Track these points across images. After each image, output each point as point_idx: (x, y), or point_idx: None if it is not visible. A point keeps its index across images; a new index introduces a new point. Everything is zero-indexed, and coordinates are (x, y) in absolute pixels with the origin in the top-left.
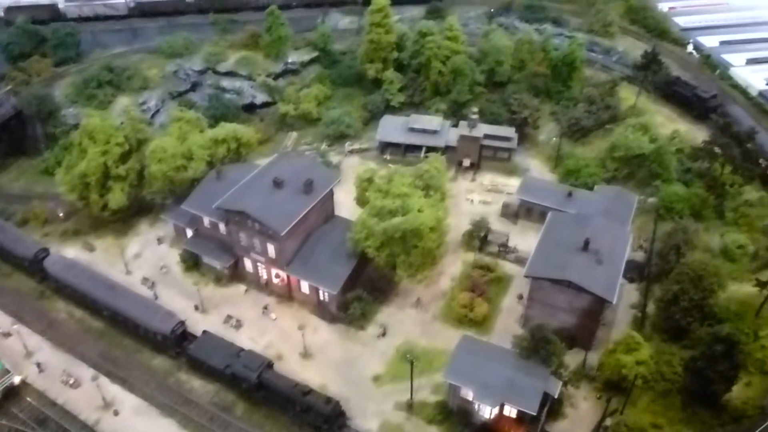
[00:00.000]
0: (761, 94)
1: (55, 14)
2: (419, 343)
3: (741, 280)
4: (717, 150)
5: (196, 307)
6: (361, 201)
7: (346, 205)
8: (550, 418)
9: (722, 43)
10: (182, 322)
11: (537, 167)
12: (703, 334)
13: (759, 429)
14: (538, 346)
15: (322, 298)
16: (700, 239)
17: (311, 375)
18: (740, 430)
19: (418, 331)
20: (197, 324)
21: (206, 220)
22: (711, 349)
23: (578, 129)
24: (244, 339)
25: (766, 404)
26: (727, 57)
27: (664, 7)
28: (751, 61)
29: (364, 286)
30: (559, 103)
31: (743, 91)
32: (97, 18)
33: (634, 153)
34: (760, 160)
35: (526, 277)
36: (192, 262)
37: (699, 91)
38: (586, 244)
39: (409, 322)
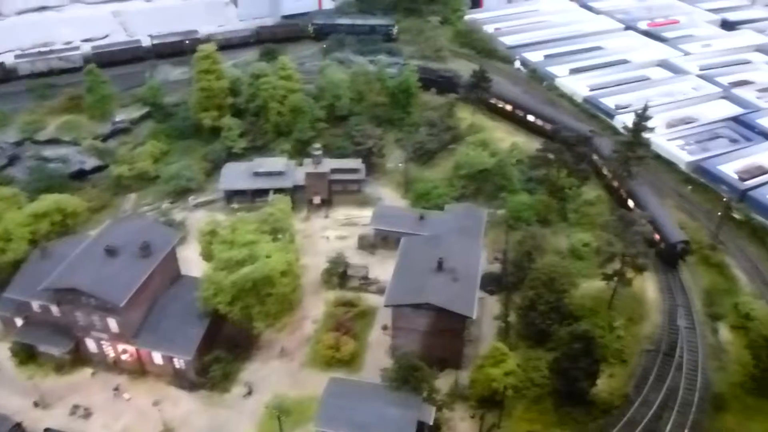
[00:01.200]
0: (586, 99)
1: (1, 73)
2: (289, 395)
3: (591, 277)
4: (551, 156)
5: (36, 404)
6: (207, 255)
7: (196, 263)
8: None
9: (546, 57)
10: (18, 425)
11: (389, 195)
12: (563, 335)
13: (626, 416)
14: (406, 375)
15: (177, 366)
16: (549, 243)
17: None
18: (610, 422)
19: (287, 383)
20: (39, 422)
21: (35, 305)
22: (571, 348)
23: (424, 153)
24: (95, 428)
25: (630, 391)
26: (552, 69)
27: (489, 28)
28: (574, 71)
29: (223, 345)
30: (402, 130)
31: (570, 99)
32: (51, 72)
33: (478, 169)
34: (594, 158)
35: (387, 306)
36: (26, 354)
37: (441, 72)
38: (440, 263)
39: (276, 374)
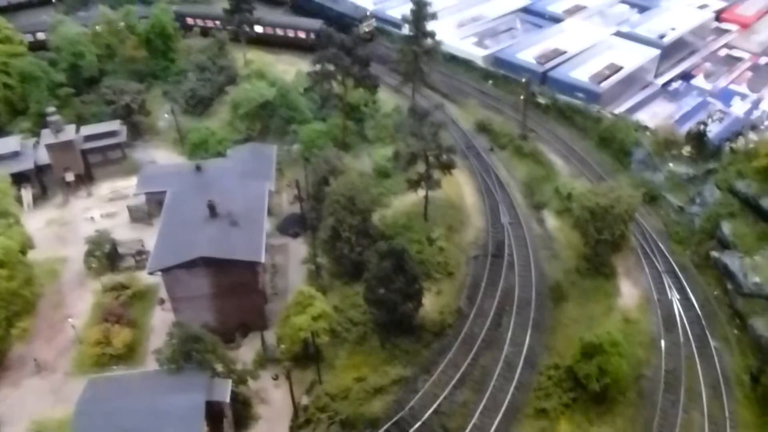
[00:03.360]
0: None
1: None
2: (53, 416)
3: (403, 193)
4: (330, 67)
5: None
6: None
7: None
8: (241, 428)
9: None
10: None
11: (164, 156)
12: (374, 270)
13: (462, 332)
14: (187, 351)
15: None
16: (348, 166)
17: None
18: (446, 343)
19: (50, 401)
20: None
21: None
22: (381, 269)
23: (198, 101)
24: None
25: (462, 305)
26: None
27: None
28: None
29: None
30: (168, 81)
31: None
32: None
33: (259, 103)
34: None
35: (151, 274)
36: None
37: None
38: (212, 209)
39: (33, 394)
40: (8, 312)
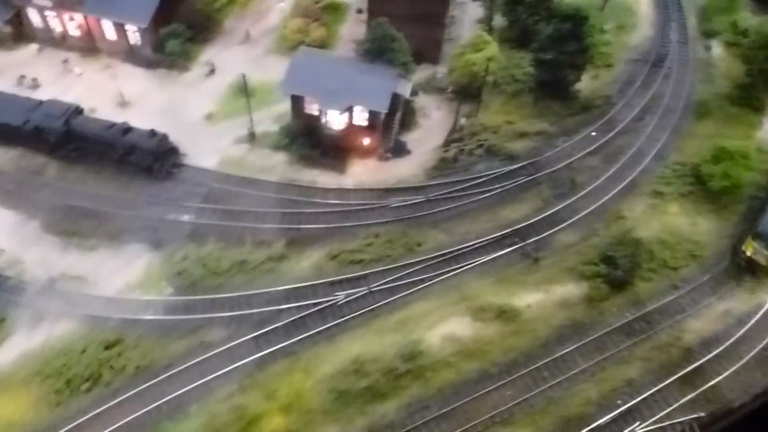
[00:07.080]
0: None
1: None
2: (253, 77)
3: None
4: None
5: None
6: None
7: None
8: (404, 128)
9: None
10: None
11: None
12: (550, 30)
13: (608, 115)
14: (382, 46)
15: (132, 42)
16: None
17: (132, 121)
18: (589, 118)
19: (252, 67)
20: None
21: None
22: (559, 29)
23: None
24: (44, 97)
25: (613, 94)
26: None
27: None
28: None
29: (183, 22)
30: None
31: None
32: None
33: None
34: None
35: None
36: None
37: None
38: None
39: (240, 59)
40: None
